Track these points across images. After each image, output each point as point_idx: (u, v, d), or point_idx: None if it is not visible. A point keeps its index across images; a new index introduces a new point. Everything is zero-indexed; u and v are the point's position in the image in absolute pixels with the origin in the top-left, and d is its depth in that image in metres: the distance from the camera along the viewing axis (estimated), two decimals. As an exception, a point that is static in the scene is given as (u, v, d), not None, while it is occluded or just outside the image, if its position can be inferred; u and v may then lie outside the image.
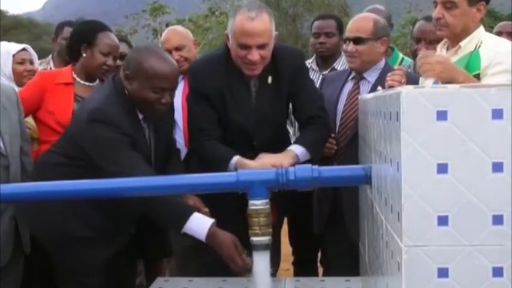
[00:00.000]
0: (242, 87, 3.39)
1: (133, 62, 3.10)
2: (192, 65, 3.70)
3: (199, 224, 2.92)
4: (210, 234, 2.91)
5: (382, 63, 3.72)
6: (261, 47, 3.23)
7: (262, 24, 3.21)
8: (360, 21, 3.70)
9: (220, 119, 3.42)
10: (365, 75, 3.68)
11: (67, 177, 2.83)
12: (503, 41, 3.37)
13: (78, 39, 3.94)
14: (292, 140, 3.86)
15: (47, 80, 3.93)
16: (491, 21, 19.33)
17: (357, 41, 3.61)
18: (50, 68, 4.86)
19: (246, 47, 3.23)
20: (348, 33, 3.69)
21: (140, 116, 3.16)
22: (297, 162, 3.20)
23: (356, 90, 3.69)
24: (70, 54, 4.04)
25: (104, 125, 3.00)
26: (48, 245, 3.30)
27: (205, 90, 3.39)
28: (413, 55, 4.45)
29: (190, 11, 33.50)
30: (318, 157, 3.49)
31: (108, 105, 3.09)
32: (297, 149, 3.33)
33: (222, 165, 3.22)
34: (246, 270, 2.85)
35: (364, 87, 3.68)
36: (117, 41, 3.96)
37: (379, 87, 3.53)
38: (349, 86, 3.75)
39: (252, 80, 3.39)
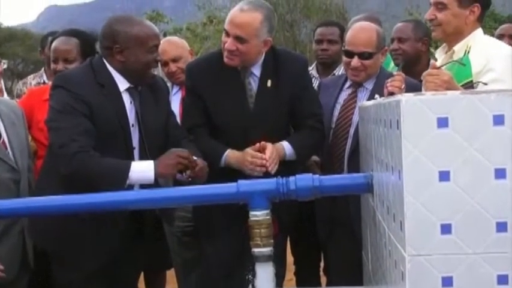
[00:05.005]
0: (236, 87, 3.43)
1: (118, 34, 3.14)
2: (188, 64, 3.73)
3: (141, 172, 2.98)
4: (157, 176, 2.99)
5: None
6: (239, 40, 3.28)
7: (248, 18, 3.28)
8: (364, 35, 3.62)
9: (213, 119, 3.47)
10: (363, 83, 3.68)
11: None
12: (495, 44, 3.38)
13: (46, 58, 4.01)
14: None
15: (34, 97, 3.97)
16: (491, 23, 19.36)
17: (363, 55, 3.58)
18: (44, 81, 4.86)
19: (228, 34, 3.31)
20: (351, 47, 3.61)
21: (122, 88, 3.19)
22: (282, 158, 3.34)
23: (353, 98, 3.69)
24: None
25: (62, 89, 3.09)
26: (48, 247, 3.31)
27: (200, 89, 3.46)
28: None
29: (186, 19, 33.57)
30: (305, 160, 3.58)
31: (73, 74, 3.23)
32: (286, 146, 3.40)
33: (214, 160, 3.33)
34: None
35: (362, 94, 3.68)
36: (60, 43, 3.87)
37: (377, 95, 3.53)
38: (345, 93, 3.74)
39: (247, 79, 3.44)
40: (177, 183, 3.31)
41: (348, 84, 3.76)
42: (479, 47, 3.18)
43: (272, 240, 2.67)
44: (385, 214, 2.13)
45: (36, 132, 3.85)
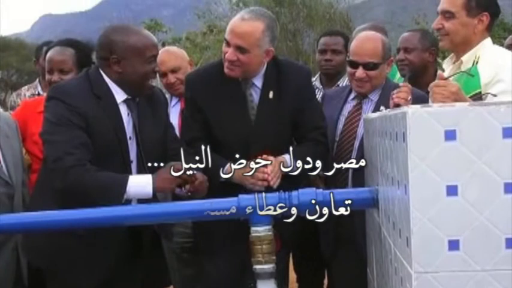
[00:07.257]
0: (237, 98, 3.44)
1: (115, 44, 3.15)
2: (188, 74, 3.74)
3: (139, 186, 2.98)
4: (155, 190, 2.99)
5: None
6: (240, 50, 3.28)
7: (249, 27, 3.28)
8: (370, 44, 3.62)
9: (214, 131, 3.46)
10: (368, 94, 3.68)
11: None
12: (505, 54, 3.36)
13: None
14: None
15: (28, 109, 3.98)
16: (501, 32, 19.41)
17: (368, 66, 3.58)
18: (38, 93, 4.87)
19: (228, 44, 3.31)
20: (356, 57, 3.61)
21: (119, 100, 3.19)
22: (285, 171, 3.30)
23: (358, 110, 3.68)
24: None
25: (58, 101, 3.08)
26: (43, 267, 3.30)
27: (200, 101, 3.46)
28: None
29: (186, 28, 33.65)
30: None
31: (69, 85, 3.23)
32: (288, 160, 3.37)
33: (214, 174, 3.28)
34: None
35: (367, 106, 3.67)
36: (56, 54, 3.88)
37: (382, 107, 3.52)
38: (350, 105, 3.74)
39: (248, 90, 3.44)
40: (176, 198, 3.31)
41: (352, 95, 3.76)
42: (488, 57, 3.18)
43: (274, 257, 2.68)
44: (391, 230, 2.14)
45: (31, 145, 3.85)
